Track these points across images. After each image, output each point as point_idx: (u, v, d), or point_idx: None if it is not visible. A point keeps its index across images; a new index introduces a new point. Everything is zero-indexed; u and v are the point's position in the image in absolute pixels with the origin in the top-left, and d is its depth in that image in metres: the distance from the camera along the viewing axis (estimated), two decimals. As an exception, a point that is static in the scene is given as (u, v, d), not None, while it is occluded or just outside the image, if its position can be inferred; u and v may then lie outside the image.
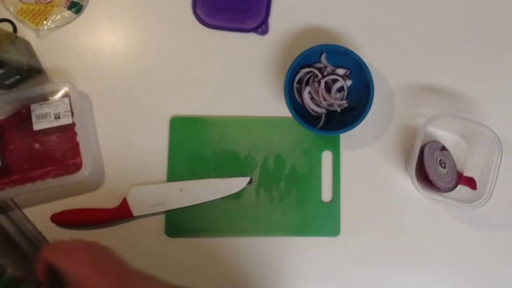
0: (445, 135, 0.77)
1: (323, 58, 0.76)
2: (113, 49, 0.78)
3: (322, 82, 0.74)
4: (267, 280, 0.75)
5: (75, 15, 0.78)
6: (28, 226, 0.74)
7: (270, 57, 0.78)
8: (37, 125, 0.73)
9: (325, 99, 0.75)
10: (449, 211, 0.76)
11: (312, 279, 0.75)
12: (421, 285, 0.76)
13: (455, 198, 0.72)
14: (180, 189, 0.75)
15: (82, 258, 0.57)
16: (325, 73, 0.75)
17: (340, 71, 0.76)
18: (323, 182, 0.76)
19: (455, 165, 0.75)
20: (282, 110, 0.75)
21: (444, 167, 0.74)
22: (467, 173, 0.75)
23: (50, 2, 0.77)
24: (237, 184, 0.75)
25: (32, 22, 0.76)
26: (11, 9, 0.76)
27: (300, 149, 0.76)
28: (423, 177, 0.73)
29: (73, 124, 0.74)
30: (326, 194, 0.76)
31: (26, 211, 0.75)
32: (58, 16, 0.77)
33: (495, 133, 0.70)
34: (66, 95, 0.74)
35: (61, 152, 0.74)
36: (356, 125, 0.71)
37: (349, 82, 0.76)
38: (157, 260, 0.74)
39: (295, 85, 0.76)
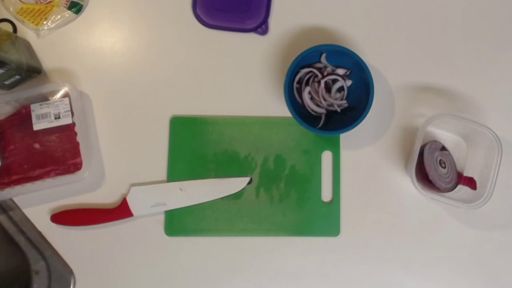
0: (445, 135, 0.77)
1: (323, 58, 0.76)
2: (113, 49, 0.78)
3: (322, 82, 0.74)
4: (267, 280, 0.75)
5: (75, 15, 0.78)
6: (28, 226, 0.74)
7: (270, 57, 0.78)
8: (37, 125, 0.73)
9: (325, 99, 0.75)
10: (449, 211, 0.76)
11: (312, 279, 0.75)
12: (421, 285, 0.75)
13: (455, 198, 0.72)
14: (180, 189, 0.75)
15: None
16: (325, 73, 0.75)
17: (340, 71, 0.76)
18: (323, 182, 0.76)
19: (455, 165, 0.75)
20: (282, 110, 0.75)
21: (444, 167, 0.74)
22: (467, 173, 0.75)
23: (50, 2, 0.77)
24: (237, 184, 0.75)
25: (32, 22, 0.76)
26: (11, 9, 0.76)
27: (300, 149, 0.76)
28: (423, 177, 0.73)
29: (73, 124, 0.74)
30: (326, 194, 0.76)
31: (26, 211, 0.75)
32: (58, 16, 0.77)
33: (495, 133, 0.70)
34: (66, 95, 0.74)
35: (61, 152, 0.74)
36: (356, 125, 0.71)
37: (349, 82, 0.76)
38: (157, 260, 0.75)
39: (295, 85, 0.76)
